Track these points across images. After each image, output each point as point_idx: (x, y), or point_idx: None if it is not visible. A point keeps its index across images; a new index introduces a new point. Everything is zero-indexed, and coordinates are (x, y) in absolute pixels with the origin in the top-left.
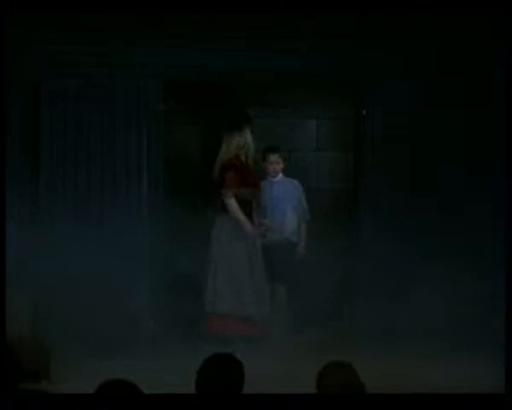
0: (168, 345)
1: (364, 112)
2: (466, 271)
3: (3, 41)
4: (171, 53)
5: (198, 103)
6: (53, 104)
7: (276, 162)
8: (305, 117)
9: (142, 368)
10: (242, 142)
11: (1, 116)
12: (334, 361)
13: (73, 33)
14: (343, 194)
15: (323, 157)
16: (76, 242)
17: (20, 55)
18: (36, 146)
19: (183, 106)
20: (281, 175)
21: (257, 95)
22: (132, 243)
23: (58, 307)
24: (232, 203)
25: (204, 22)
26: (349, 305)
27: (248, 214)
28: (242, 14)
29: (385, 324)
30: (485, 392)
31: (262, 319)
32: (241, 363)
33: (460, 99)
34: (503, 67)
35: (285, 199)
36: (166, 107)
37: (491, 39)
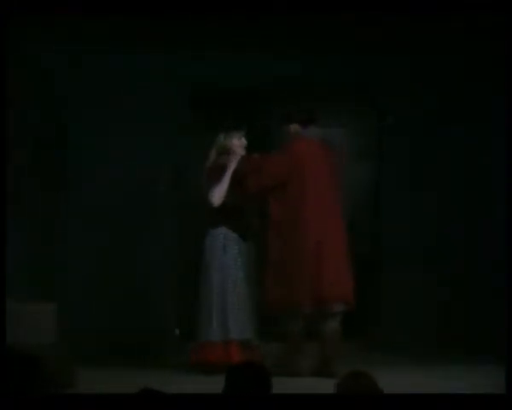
0: None
1: (389, 122)
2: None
3: (4, 41)
4: (198, 62)
5: (224, 112)
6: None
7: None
8: (330, 126)
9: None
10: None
11: (1, 117)
12: (351, 371)
13: (93, 39)
14: (368, 204)
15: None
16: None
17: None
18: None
19: (209, 115)
20: None
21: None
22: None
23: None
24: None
25: (231, 31)
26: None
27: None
28: (269, 26)
29: None
30: (485, 392)
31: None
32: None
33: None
34: None
35: None
36: (193, 116)
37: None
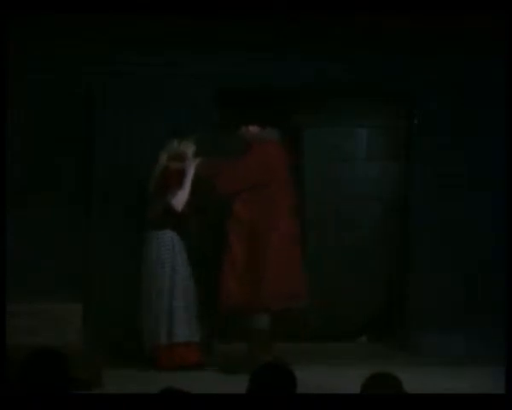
0: None
1: (416, 121)
2: None
3: (4, 41)
4: (224, 62)
5: (249, 112)
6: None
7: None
8: (356, 125)
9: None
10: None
11: (1, 116)
12: (378, 373)
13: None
14: (394, 203)
15: (374, 166)
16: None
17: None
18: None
19: (235, 115)
20: None
21: (309, 103)
22: None
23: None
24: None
25: (258, 31)
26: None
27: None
28: (296, 23)
29: None
30: (485, 392)
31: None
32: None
33: None
34: None
35: None
36: (219, 116)
37: None
